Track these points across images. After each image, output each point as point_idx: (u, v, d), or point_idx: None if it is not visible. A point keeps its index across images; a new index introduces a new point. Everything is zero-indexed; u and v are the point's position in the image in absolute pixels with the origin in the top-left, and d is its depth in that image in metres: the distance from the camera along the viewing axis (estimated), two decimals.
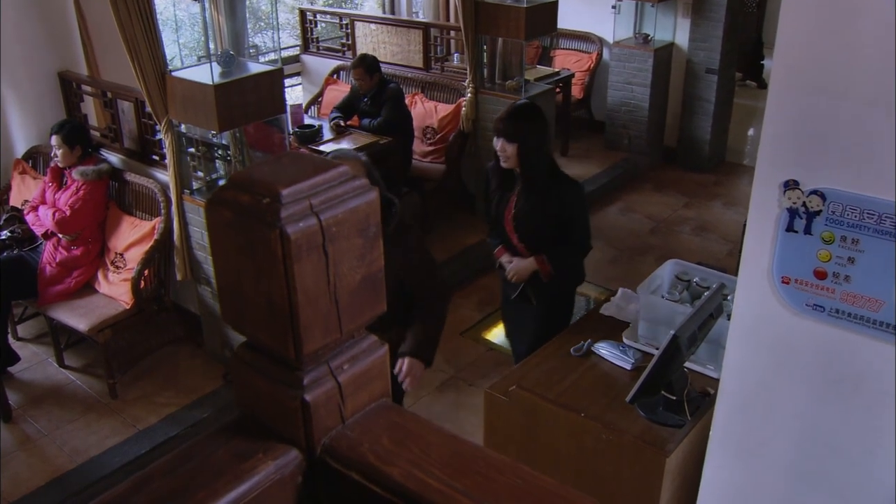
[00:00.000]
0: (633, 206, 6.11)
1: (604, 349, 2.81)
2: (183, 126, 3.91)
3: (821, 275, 1.86)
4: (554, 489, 0.58)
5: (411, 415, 0.70)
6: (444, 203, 5.54)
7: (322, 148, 4.89)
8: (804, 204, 1.83)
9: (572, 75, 6.71)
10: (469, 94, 5.32)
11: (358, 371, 0.70)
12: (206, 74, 3.61)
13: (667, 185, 6.44)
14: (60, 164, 4.09)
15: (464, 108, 5.36)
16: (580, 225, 3.15)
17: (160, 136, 3.90)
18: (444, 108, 5.57)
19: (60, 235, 4.08)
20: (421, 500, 0.60)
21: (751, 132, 7.48)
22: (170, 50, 4.41)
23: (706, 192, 6.33)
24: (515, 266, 3.15)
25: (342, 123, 5.22)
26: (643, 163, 6.64)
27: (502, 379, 2.78)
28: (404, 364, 2.61)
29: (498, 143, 3.02)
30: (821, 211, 1.81)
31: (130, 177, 4.20)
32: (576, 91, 6.83)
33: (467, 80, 5.33)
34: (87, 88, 4.49)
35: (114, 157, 4.33)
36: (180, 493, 0.68)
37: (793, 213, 1.85)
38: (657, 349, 2.48)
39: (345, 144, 4.96)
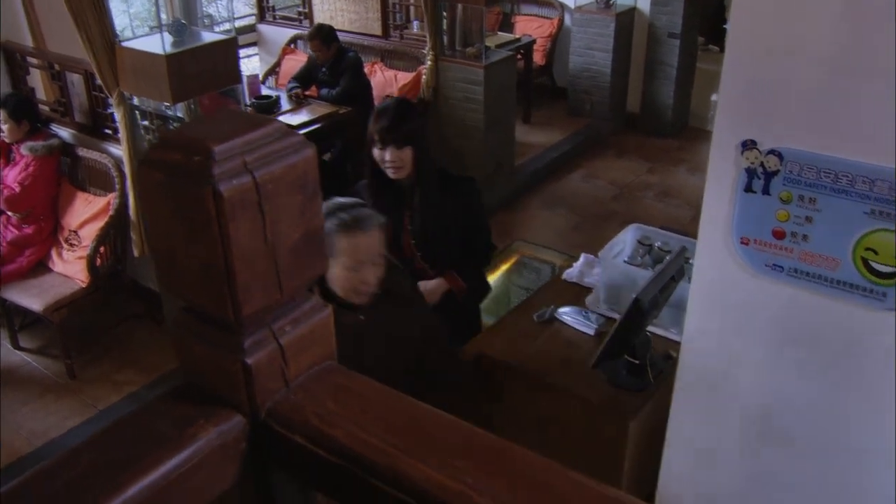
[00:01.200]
0: (595, 172, 6.13)
1: (566, 315, 2.81)
2: (136, 98, 3.81)
3: (779, 234, 1.87)
4: (500, 445, 0.56)
5: (358, 377, 0.68)
6: None
7: (281, 119, 4.79)
8: (762, 164, 1.83)
9: (534, 41, 6.67)
10: (429, 62, 5.26)
11: (301, 333, 0.68)
12: (158, 44, 3.51)
13: (630, 151, 6.46)
14: (7, 140, 3.97)
15: (424, 77, 5.30)
16: (484, 225, 2.85)
17: (112, 109, 3.79)
18: (404, 77, 5.50)
19: (10, 213, 3.97)
20: (365, 461, 0.58)
21: (714, 97, 7.51)
22: (120, 20, 4.28)
23: (669, 157, 6.36)
24: (422, 291, 2.66)
25: (301, 94, 5.13)
26: (606, 129, 6.65)
27: (466, 347, 2.77)
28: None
29: (387, 153, 2.56)
30: (779, 171, 1.82)
31: (82, 152, 4.09)
32: (537, 57, 6.80)
33: (427, 48, 5.26)
34: (33, 60, 4.34)
35: (64, 132, 4.21)
36: (118, 462, 0.66)
37: (751, 173, 1.86)
38: (620, 314, 2.49)
39: (303, 115, 4.87)
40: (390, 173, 2.60)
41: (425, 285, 2.72)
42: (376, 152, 2.59)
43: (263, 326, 0.66)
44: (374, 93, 5.35)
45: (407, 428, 0.60)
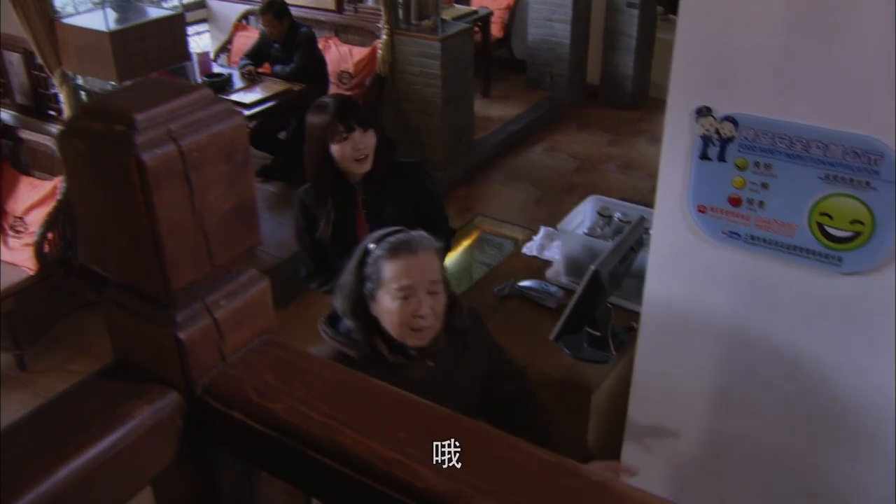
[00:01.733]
0: (557, 145, 6.11)
1: (527, 289, 2.80)
2: (80, 78, 3.69)
3: (735, 202, 1.87)
4: (445, 416, 0.55)
5: (298, 350, 0.65)
6: None
7: (234, 97, 4.69)
8: (717, 131, 1.83)
9: (491, 13, 6.60)
10: (384, 36, 5.18)
11: (237, 306, 0.65)
12: (101, 21, 3.40)
13: (591, 124, 6.45)
14: None
15: (380, 51, 5.22)
16: (440, 209, 2.74)
17: (55, 89, 3.67)
18: (360, 52, 5.41)
19: None
20: (304, 434, 0.56)
21: None
22: None
23: (630, 128, 6.36)
24: None
25: (253, 71, 5.02)
26: (566, 101, 6.63)
27: None
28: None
29: (354, 140, 2.40)
30: (734, 137, 1.81)
31: (25, 134, 3.94)
32: (495, 30, 6.74)
33: (382, 22, 5.17)
34: None
35: (5, 114, 4.06)
36: (49, 445, 0.63)
37: (706, 140, 1.85)
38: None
39: (257, 93, 4.77)
40: (357, 166, 2.44)
41: None
42: (336, 147, 2.41)
43: (196, 300, 0.63)
44: (330, 69, 5.26)
45: (349, 401, 0.58)
